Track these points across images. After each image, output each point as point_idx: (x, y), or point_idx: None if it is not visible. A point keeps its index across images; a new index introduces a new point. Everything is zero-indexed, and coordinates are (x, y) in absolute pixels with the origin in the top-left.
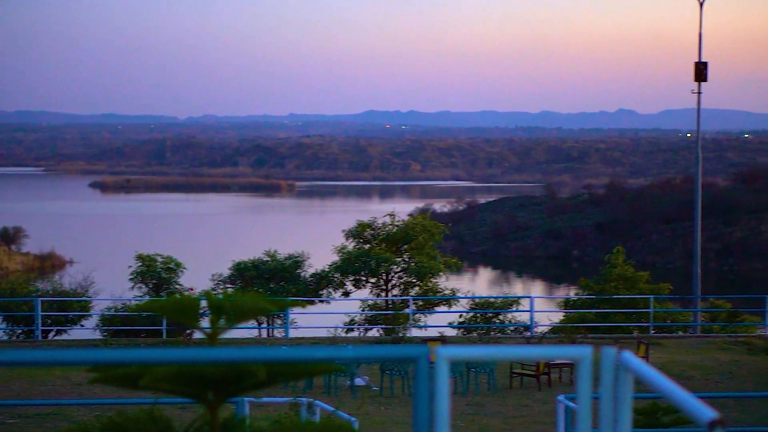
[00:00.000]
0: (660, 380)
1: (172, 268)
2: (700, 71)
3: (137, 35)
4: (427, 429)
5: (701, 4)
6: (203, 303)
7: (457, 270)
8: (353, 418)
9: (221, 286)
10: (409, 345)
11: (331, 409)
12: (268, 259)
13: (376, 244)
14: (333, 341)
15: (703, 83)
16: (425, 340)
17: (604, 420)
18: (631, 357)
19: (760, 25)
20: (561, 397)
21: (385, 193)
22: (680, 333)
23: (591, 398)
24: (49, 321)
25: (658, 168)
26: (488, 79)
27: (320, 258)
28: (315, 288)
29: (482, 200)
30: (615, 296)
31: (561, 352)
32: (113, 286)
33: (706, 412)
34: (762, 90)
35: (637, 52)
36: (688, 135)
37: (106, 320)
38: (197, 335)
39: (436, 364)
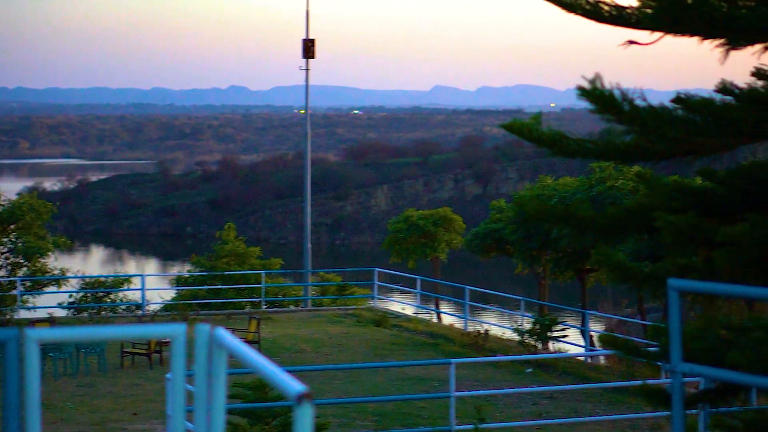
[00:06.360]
0: (251, 357)
1: None
2: (308, 48)
3: None
4: (18, 413)
5: None
6: None
7: (67, 249)
8: None
9: None
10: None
11: None
12: None
13: None
14: None
15: (312, 60)
16: (34, 322)
17: (198, 396)
18: (224, 334)
19: (366, 4)
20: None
21: None
22: (292, 307)
23: (185, 375)
24: None
25: (271, 144)
26: (98, 55)
27: None
28: None
29: (94, 178)
30: (227, 272)
31: (155, 331)
32: None
33: (295, 387)
34: (370, 67)
35: (248, 28)
36: (301, 111)
37: None
38: None
39: (26, 347)
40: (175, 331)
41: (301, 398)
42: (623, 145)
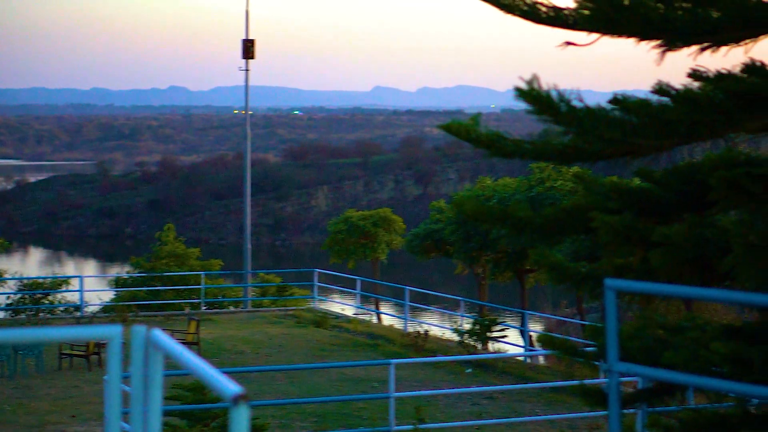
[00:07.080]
0: (187, 358)
1: None
2: (248, 48)
3: None
4: None
5: None
6: None
7: (5, 250)
8: None
9: None
10: None
11: None
12: None
13: None
14: None
15: (252, 60)
16: None
17: (134, 398)
18: (160, 335)
19: (307, 5)
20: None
21: None
22: (232, 308)
23: (121, 377)
24: None
25: (211, 145)
26: (36, 55)
27: None
28: None
29: (32, 179)
30: (166, 273)
31: (93, 333)
32: None
33: (231, 388)
34: (310, 68)
35: (188, 29)
36: (241, 112)
37: None
38: None
39: None
40: (112, 332)
41: (237, 399)
42: (561, 146)
